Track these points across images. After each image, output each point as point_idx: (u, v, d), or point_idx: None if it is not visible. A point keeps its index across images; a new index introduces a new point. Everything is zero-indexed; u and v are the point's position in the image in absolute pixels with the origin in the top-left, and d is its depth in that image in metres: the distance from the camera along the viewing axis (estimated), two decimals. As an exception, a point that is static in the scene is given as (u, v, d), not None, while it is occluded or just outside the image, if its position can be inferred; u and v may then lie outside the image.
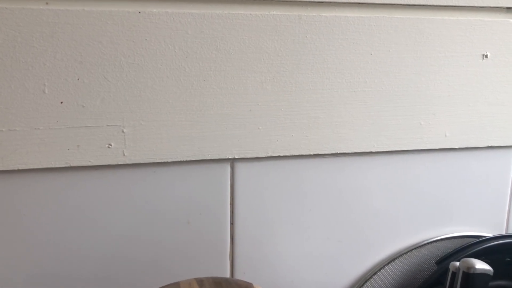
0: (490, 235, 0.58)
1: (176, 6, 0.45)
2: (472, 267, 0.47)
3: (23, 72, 0.43)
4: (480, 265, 0.47)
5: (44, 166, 0.45)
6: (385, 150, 0.54)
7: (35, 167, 0.45)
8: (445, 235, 0.59)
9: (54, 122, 0.45)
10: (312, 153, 0.52)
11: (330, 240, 0.55)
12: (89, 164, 0.46)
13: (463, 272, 0.48)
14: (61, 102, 0.44)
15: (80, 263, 0.49)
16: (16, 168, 0.44)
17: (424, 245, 0.58)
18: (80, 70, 0.44)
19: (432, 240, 0.58)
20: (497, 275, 0.54)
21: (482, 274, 0.47)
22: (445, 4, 0.51)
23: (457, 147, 0.56)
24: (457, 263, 0.49)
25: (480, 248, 0.56)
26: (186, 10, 0.45)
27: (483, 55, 0.54)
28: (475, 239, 0.57)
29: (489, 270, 0.48)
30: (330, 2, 0.49)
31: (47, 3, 0.43)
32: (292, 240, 0.54)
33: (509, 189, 0.60)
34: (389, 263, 0.57)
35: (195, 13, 0.45)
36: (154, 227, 0.50)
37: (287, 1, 0.48)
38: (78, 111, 0.45)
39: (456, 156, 0.57)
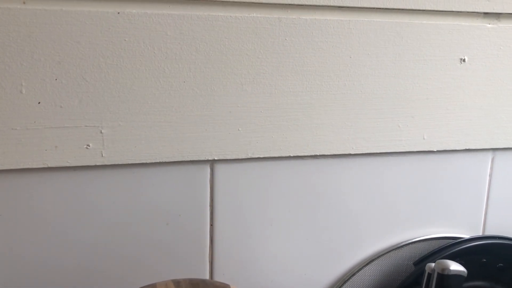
0: (467, 236, 0.59)
1: (155, 7, 0.45)
2: (446, 268, 0.48)
3: (0, 72, 0.43)
4: (455, 267, 0.48)
5: (21, 166, 0.45)
6: (363, 152, 0.54)
7: (12, 167, 0.45)
8: (423, 236, 0.59)
9: (31, 123, 0.44)
10: (291, 155, 0.52)
11: (309, 241, 0.56)
12: (67, 164, 0.46)
13: (438, 273, 0.48)
14: (39, 102, 0.44)
15: (57, 262, 0.48)
16: (-8, 169, 0.44)
17: (402, 246, 0.58)
18: (58, 70, 0.44)
19: (410, 241, 0.59)
20: (473, 275, 0.55)
21: (456, 275, 0.48)
22: (423, 8, 0.52)
23: (435, 150, 0.57)
24: (433, 265, 0.50)
25: (457, 249, 0.56)
26: (165, 11, 0.45)
27: (461, 59, 0.55)
28: (452, 240, 0.58)
29: (463, 272, 0.48)
30: (310, 5, 0.49)
31: (24, 3, 0.42)
32: (271, 241, 0.54)
33: (486, 191, 0.61)
34: (367, 264, 0.58)
35: (174, 14, 0.45)
36: (133, 228, 0.50)
37: (267, 3, 0.48)
38: (56, 111, 0.45)
39: (434, 159, 0.58)
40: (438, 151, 0.57)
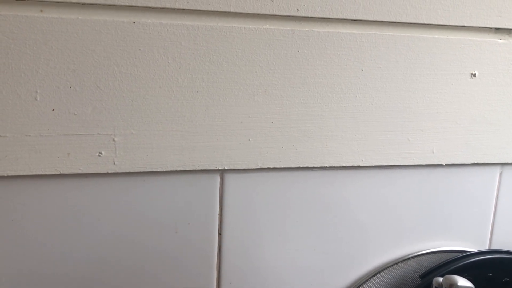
0: (473, 250, 0.59)
1: (170, 18, 0.45)
2: (454, 284, 0.48)
3: (16, 79, 0.43)
4: (463, 282, 0.48)
5: (34, 173, 0.45)
6: (373, 165, 0.54)
7: (25, 173, 0.45)
8: (429, 249, 0.59)
9: (45, 129, 0.45)
10: (301, 166, 0.52)
11: (316, 252, 0.56)
12: (79, 172, 0.46)
13: (446, 288, 0.48)
14: (53, 110, 0.44)
15: (67, 269, 0.49)
16: (5, 174, 0.44)
17: (408, 259, 0.59)
18: (73, 78, 0.44)
19: (417, 254, 0.59)
20: (479, 290, 0.56)
21: (464, 291, 0.48)
22: (435, 23, 0.52)
23: (444, 164, 0.57)
24: (440, 279, 0.50)
25: (463, 263, 0.57)
26: (180, 21, 0.46)
27: (472, 74, 0.55)
28: (459, 254, 0.58)
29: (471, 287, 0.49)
30: (323, 18, 0.49)
31: (41, 11, 0.43)
32: (279, 251, 0.55)
33: (493, 205, 0.61)
34: (374, 275, 0.58)
35: (189, 25, 0.46)
36: (142, 236, 0.50)
37: (280, 15, 0.48)
38: (69, 119, 0.45)
39: (443, 172, 0.58)
40: (447, 165, 0.57)
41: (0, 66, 0.42)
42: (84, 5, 0.43)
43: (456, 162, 0.57)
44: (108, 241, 0.49)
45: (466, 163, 0.57)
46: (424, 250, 0.59)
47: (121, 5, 0.44)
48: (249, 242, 0.53)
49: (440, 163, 0.57)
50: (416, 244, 0.59)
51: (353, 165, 0.54)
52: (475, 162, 0.58)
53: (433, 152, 0.56)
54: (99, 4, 0.44)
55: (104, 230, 0.49)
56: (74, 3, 0.43)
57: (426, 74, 0.53)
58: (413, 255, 0.59)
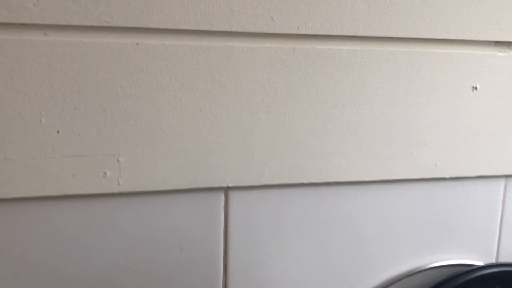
0: (481, 263, 0.58)
1: (173, 38, 0.46)
2: (462, 298, 0.48)
3: (20, 101, 0.44)
4: (471, 296, 0.48)
5: (39, 194, 0.45)
6: (376, 179, 0.54)
7: (30, 195, 0.45)
8: (436, 263, 0.59)
9: (50, 151, 0.45)
10: (305, 182, 0.52)
11: (322, 268, 0.56)
12: (84, 192, 0.46)
13: (454, 303, 0.48)
14: (58, 131, 0.45)
15: (72, 291, 0.49)
16: (11, 197, 0.45)
17: (415, 273, 0.58)
18: (77, 99, 0.45)
19: (423, 268, 0.58)
20: (487, 304, 0.55)
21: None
22: (435, 37, 0.53)
23: (448, 177, 0.57)
24: (448, 294, 0.49)
25: (471, 277, 0.56)
26: (183, 42, 0.46)
27: (473, 87, 0.55)
28: (466, 267, 0.58)
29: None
30: (324, 35, 0.50)
31: (45, 34, 0.43)
32: (285, 268, 0.54)
33: (499, 218, 0.61)
34: (380, 291, 0.58)
35: (191, 45, 0.46)
36: (147, 255, 0.50)
37: (281, 34, 0.49)
38: (74, 140, 0.45)
39: (447, 186, 0.58)
40: (451, 178, 0.57)
41: (5, 90, 0.43)
42: (87, 27, 0.44)
43: (460, 175, 0.57)
44: (113, 261, 0.49)
45: (470, 176, 0.57)
46: (431, 264, 0.59)
47: (124, 27, 0.45)
48: (254, 259, 0.53)
49: (444, 176, 0.57)
50: (422, 258, 0.59)
51: (357, 180, 0.54)
52: (479, 175, 0.58)
53: (436, 165, 0.56)
54: (102, 27, 0.44)
55: (109, 250, 0.49)
56: (77, 26, 0.44)
57: (428, 88, 0.54)
58: (420, 269, 0.58)
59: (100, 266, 0.49)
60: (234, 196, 0.51)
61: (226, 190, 0.51)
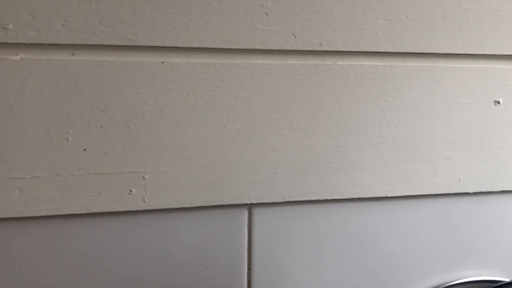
0: (507, 279, 0.58)
1: (198, 57, 0.46)
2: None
3: (48, 120, 0.44)
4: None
5: (66, 212, 0.46)
6: (400, 195, 0.54)
7: (57, 213, 0.46)
8: (460, 279, 0.58)
9: (76, 169, 0.45)
10: (328, 198, 0.52)
11: (346, 285, 0.55)
12: (110, 210, 0.47)
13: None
14: (84, 150, 0.45)
15: (97, 309, 0.49)
16: (38, 215, 0.45)
17: (440, 290, 0.58)
18: (103, 118, 0.45)
19: (448, 284, 0.58)
20: (515, 321, 0.54)
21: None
22: (457, 52, 0.53)
23: (471, 192, 0.56)
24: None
25: (497, 293, 0.55)
26: (207, 60, 0.47)
27: (495, 101, 0.55)
28: (491, 283, 0.57)
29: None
30: (346, 51, 0.50)
31: (72, 54, 0.44)
32: (308, 284, 0.54)
33: (524, 233, 0.60)
34: (405, 308, 0.57)
35: (216, 63, 0.47)
36: (171, 272, 0.50)
37: (304, 50, 0.49)
38: (100, 158, 0.46)
39: (471, 201, 0.57)
40: (474, 193, 0.57)
41: (34, 109, 0.44)
42: (114, 47, 0.45)
43: (483, 190, 0.57)
44: (138, 278, 0.49)
45: (494, 190, 0.57)
46: (456, 280, 0.58)
47: (150, 46, 0.45)
48: (278, 277, 0.53)
49: (467, 191, 0.56)
50: (446, 274, 0.58)
51: (380, 196, 0.54)
52: (503, 190, 0.57)
53: (460, 180, 0.56)
54: (128, 46, 0.45)
55: (134, 267, 0.49)
56: (104, 45, 0.44)
57: (450, 103, 0.54)
58: (445, 285, 0.58)
59: (125, 283, 0.49)
60: (257, 213, 0.51)
61: (250, 206, 0.51)
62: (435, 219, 0.57)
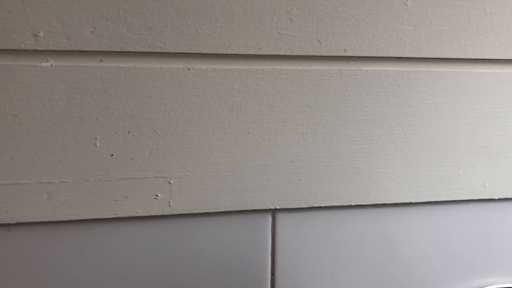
0: (532, 287, 0.57)
1: (223, 63, 0.47)
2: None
3: (76, 126, 0.45)
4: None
5: (93, 217, 0.46)
6: (424, 201, 0.54)
7: (84, 217, 0.46)
8: (485, 286, 0.58)
9: (104, 174, 0.46)
10: (352, 204, 0.52)
11: (369, 291, 0.55)
12: (136, 214, 0.47)
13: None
14: (112, 155, 0.46)
15: (123, 313, 0.49)
16: (66, 219, 0.46)
17: (464, 296, 0.57)
18: (131, 123, 0.46)
19: (473, 291, 0.57)
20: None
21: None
22: (482, 57, 0.52)
23: (496, 198, 0.56)
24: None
25: (522, 300, 0.55)
26: (232, 66, 0.47)
27: (521, 106, 0.54)
28: (517, 291, 0.56)
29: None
30: (370, 57, 0.50)
31: (101, 60, 0.45)
32: (331, 290, 0.54)
33: (551, 240, 0.59)
34: (429, 315, 0.56)
35: (240, 69, 0.47)
36: (196, 277, 0.50)
37: (328, 56, 0.49)
38: (127, 163, 0.46)
39: (496, 207, 0.57)
40: (500, 199, 0.56)
41: (63, 114, 0.44)
42: (141, 53, 0.45)
43: (509, 196, 0.56)
44: (163, 282, 0.49)
45: (519, 196, 0.56)
46: (480, 287, 0.58)
47: (176, 53, 0.46)
48: (301, 282, 0.53)
49: (492, 197, 0.56)
50: (471, 281, 0.58)
51: (404, 201, 0.53)
52: (529, 196, 0.57)
53: (484, 186, 0.55)
54: (155, 53, 0.45)
55: (159, 271, 0.49)
56: (131, 52, 0.45)
57: (474, 109, 0.53)
58: (469, 293, 0.57)
59: (150, 286, 0.49)
60: (281, 218, 0.51)
61: (274, 212, 0.51)
62: (459, 225, 0.56)
